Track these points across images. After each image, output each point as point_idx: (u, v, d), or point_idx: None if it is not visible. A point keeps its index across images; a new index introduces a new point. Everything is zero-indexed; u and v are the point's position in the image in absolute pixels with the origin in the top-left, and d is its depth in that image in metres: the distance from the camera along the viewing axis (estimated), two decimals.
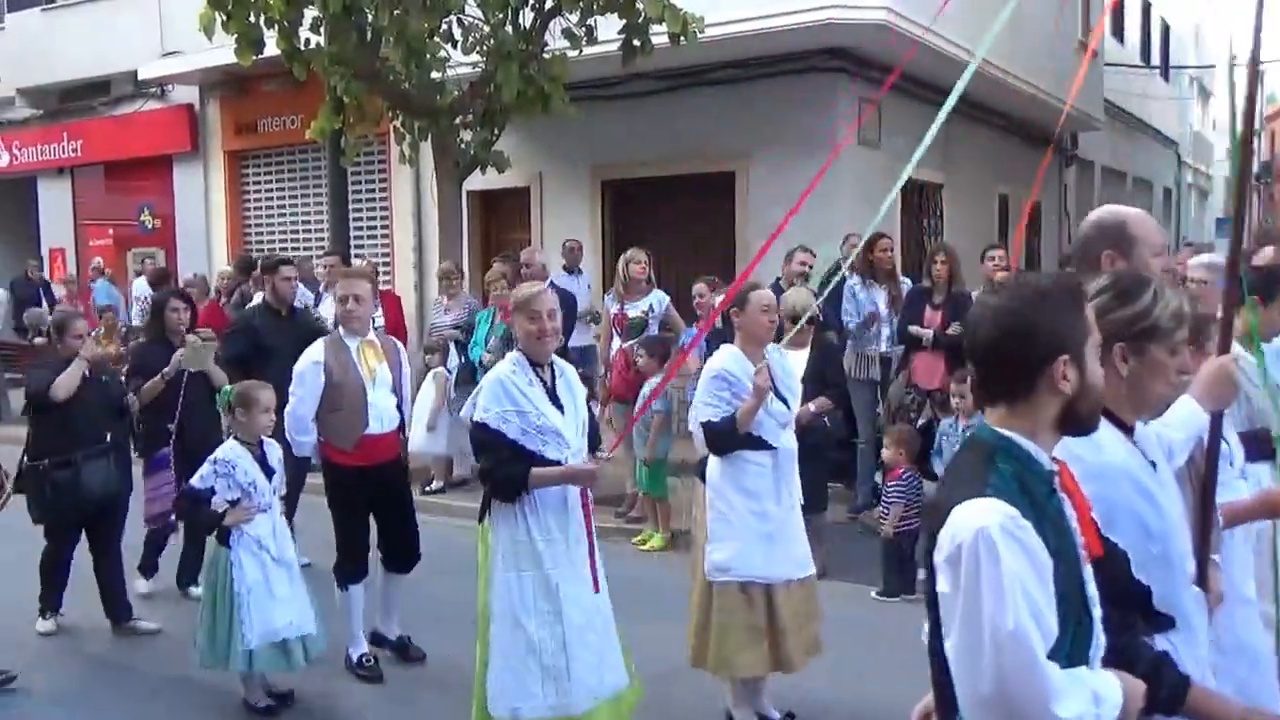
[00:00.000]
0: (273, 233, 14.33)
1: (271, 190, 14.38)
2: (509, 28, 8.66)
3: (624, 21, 8.37)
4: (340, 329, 5.30)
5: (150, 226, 14.82)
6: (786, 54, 10.01)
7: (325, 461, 5.24)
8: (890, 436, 6.36)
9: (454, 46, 9.03)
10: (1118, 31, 19.65)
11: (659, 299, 8.04)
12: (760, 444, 4.36)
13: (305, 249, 13.39)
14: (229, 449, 4.75)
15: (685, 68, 10.12)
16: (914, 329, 7.49)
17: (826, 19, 9.06)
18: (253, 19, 8.52)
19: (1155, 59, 23.62)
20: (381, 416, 5.19)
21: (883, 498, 6.32)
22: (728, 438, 4.33)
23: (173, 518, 5.99)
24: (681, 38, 8.16)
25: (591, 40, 8.60)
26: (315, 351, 5.16)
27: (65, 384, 5.52)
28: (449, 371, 8.36)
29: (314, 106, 9.33)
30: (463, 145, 9.38)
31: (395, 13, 8.27)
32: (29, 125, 16.36)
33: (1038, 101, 13.45)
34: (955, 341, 7.37)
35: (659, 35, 8.31)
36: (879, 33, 9.44)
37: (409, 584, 5.55)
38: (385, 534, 5.37)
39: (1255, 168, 43.27)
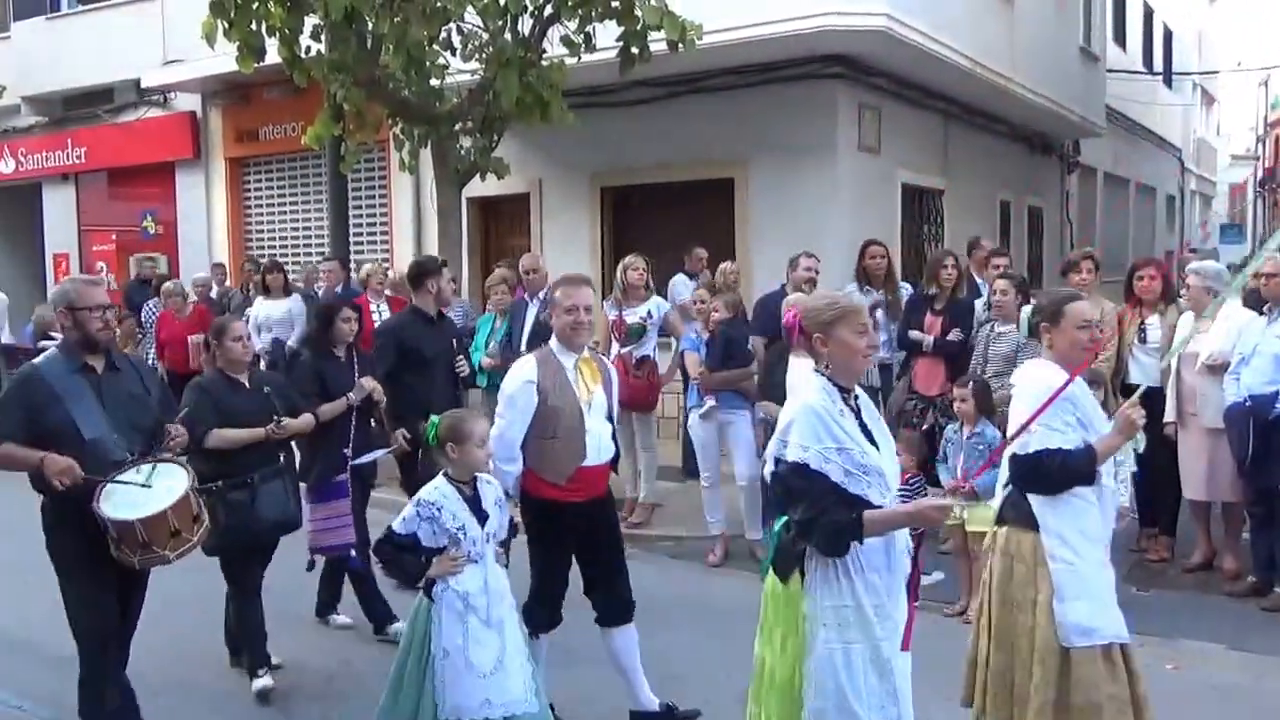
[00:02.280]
0: (274, 239, 14.44)
1: (273, 197, 14.49)
2: (508, 35, 8.72)
3: (622, 29, 8.41)
4: (554, 344, 4.60)
5: (153, 232, 14.94)
6: (785, 60, 10.04)
7: (527, 495, 4.57)
8: (899, 442, 6.35)
9: (453, 54, 9.09)
10: (1120, 38, 19.71)
11: (657, 305, 8.05)
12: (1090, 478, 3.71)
13: (306, 255, 13.53)
14: (435, 488, 4.06)
15: (684, 74, 10.16)
16: (914, 334, 7.50)
17: (824, 25, 9.09)
18: (254, 27, 8.57)
19: (1158, 65, 23.66)
20: (599, 446, 4.56)
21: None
22: (1077, 473, 3.64)
23: (352, 552, 5.69)
24: (680, 45, 8.21)
25: (590, 47, 8.65)
26: (527, 369, 4.51)
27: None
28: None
29: (315, 114, 9.40)
30: (462, 152, 9.43)
31: (395, 21, 8.33)
32: (34, 132, 16.58)
33: (1038, 108, 13.50)
34: (954, 347, 7.39)
35: (657, 42, 8.36)
36: (878, 39, 9.48)
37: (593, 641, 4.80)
38: (598, 580, 4.68)
39: (1258, 175, 43.27)
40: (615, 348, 7.85)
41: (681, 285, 9.43)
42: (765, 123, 10.35)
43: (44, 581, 4.34)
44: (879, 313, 7.92)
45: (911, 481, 6.15)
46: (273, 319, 10.21)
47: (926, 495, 6.21)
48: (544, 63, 8.86)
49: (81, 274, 5.11)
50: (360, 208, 13.17)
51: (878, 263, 8.15)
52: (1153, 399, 6.84)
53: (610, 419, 4.67)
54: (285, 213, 14.36)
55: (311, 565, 5.79)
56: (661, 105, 10.75)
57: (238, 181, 14.71)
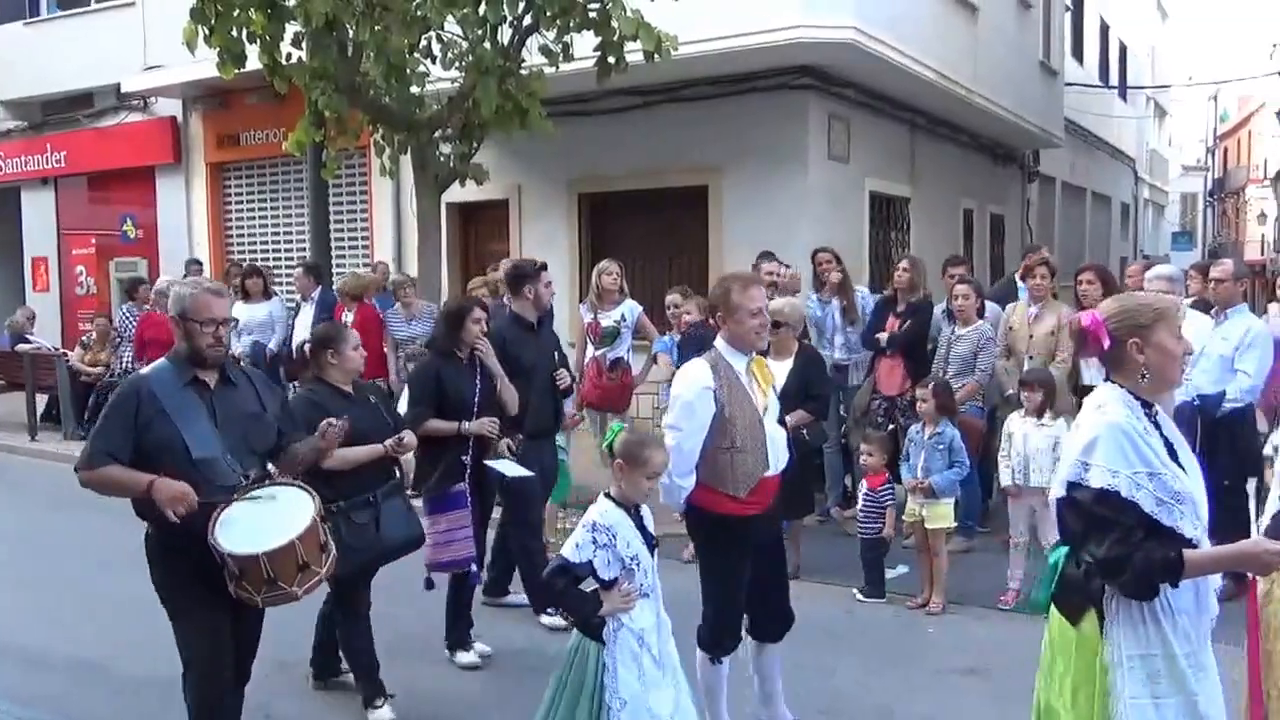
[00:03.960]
0: (254, 244, 14.52)
1: (253, 202, 14.57)
2: (487, 44, 8.81)
3: (600, 39, 8.56)
4: (722, 346, 4.23)
5: (132, 236, 14.94)
6: (758, 71, 10.30)
7: (700, 510, 4.18)
8: (871, 443, 6.55)
9: (433, 62, 9.17)
10: (1077, 53, 20.18)
11: (630, 309, 8.23)
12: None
13: (287, 260, 13.59)
14: (605, 511, 3.58)
15: (660, 84, 10.39)
16: (879, 335, 7.75)
17: (795, 38, 9.34)
18: (235, 33, 8.62)
19: (1113, 79, 24.21)
20: (778, 455, 4.26)
21: (864, 503, 6.42)
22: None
23: (473, 567, 5.36)
24: (656, 55, 8.32)
25: (568, 57, 8.78)
26: (702, 374, 4.12)
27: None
28: None
29: (295, 120, 9.45)
30: (442, 158, 9.53)
31: (376, 29, 8.39)
32: (13, 137, 16.58)
33: (1000, 119, 13.87)
34: (907, 337, 7.65)
35: (634, 53, 8.49)
36: (847, 51, 9.74)
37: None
38: (766, 594, 4.37)
39: (1208, 185, 44.19)
40: (590, 350, 8.05)
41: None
42: (738, 131, 10.60)
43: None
44: (836, 316, 8.20)
45: (881, 490, 6.40)
46: (253, 323, 10.31)
47: (893, 494, 6.46)
48: (523, 71, 8.98)
49: (206, 278, 4.87)
50: (341, 213, 13.29)
51: (824, 268, 8.27)
52: None
53: (783, 423, 4.41)
54: (266, 218, 14.44)
55: (430, 584, 5.33)
56: (638, 114, 10.99)
57: (218, 186, 14.77)
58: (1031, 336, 7.38)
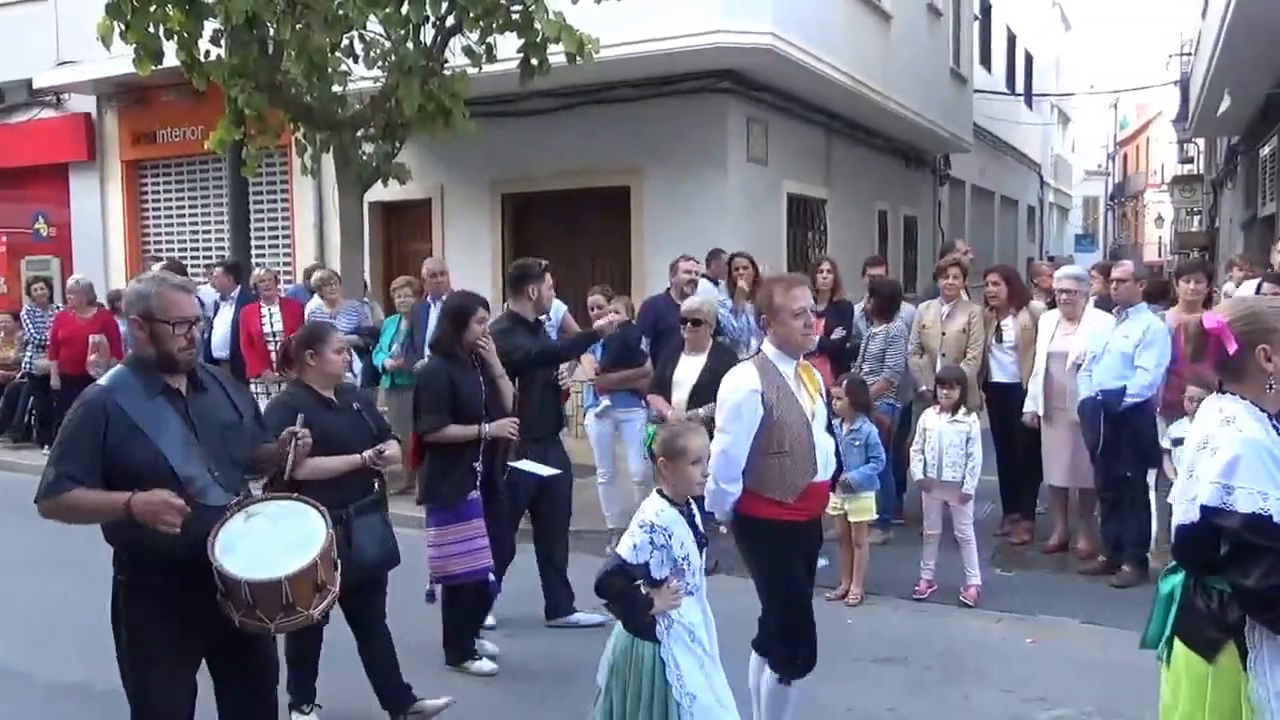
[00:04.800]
0: (172, 242, 14.20)
1: (171, 200, 14.27)
2: (410, 44, 8.79)
3: (523, 40, 8.59)
4: (770, 350, 4.11)
5: (45, 235, 14.50)
6: (679, 74, 10.43)
7: (747, 517, 4.02)
8: None
9: (356, 61, 9.11)
10: (986, 61, 20.77)
11: (555, 309, 8.30)
12: None
13: (205, 259, 13.33)
14: (660, 510, 3.49)
15: (583, 86, 10.47)
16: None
17: (715, 42, 9.49)
18: (152, 29, 8.44)
19: (1020, 87, 24.95)
20: (827, 460, 4.12)
21: None
22: None
23: (491, 578, 5.16)
24: (578, 57, 8.38)
25: (491, 58, 8.77)
26: (749, 377, 3.99)
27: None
28: (354, 375, 8.49)
29: (214, 117, 9.34)
30: (365, 158, 9.48)
31: (297, 27, 8.30)
32: None
33: (912, 124, 14.25)
34: (838, 345, 7.87)
35: (556, 55, 8.53)
36: (765, 56, 9.92)
37: None
38: None
39: (1109, 189, 45.68)
40: None
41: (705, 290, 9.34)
42: (660, 134, 10.73)
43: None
44: (750, 320, 8.32)
45: None
46: None
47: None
48: (446, 72, 8.99)
49: (168, 273, 3.83)
50: (262, 212, 13.10)
51: (741, 273, 8.30)
52: (1011, 394, 7.48)
53: (831, 430, 4.30)
54: (184, 216, 14.16)
55: (432, 596, 5.18)
56: (561, 115, 11.05)
57: (134, 184, 14.44)
58: (944, 334, 7.64)
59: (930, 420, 6.56)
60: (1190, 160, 30.83)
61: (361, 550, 4.29)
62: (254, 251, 11.88)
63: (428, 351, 8.14)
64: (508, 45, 8.72)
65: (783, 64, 10.26)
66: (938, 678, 5.26)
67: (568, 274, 9.92)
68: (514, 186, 11.73)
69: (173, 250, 13.92)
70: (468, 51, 8.86)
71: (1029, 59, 26.18)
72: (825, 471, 4.10)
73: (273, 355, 8.92)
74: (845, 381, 6.68)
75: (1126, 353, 6.50)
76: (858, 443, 6.42)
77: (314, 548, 3.26)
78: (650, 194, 10.94)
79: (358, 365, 8.62)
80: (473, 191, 11.86)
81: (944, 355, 7.55)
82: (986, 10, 20.82)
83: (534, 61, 8.67)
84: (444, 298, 8.56)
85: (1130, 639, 5.61)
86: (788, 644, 4.04)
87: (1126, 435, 6.44)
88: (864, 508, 6.43)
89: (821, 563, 6.96)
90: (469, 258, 11.45)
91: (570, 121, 11.05)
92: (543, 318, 6.29)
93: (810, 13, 10.47)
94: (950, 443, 6.39)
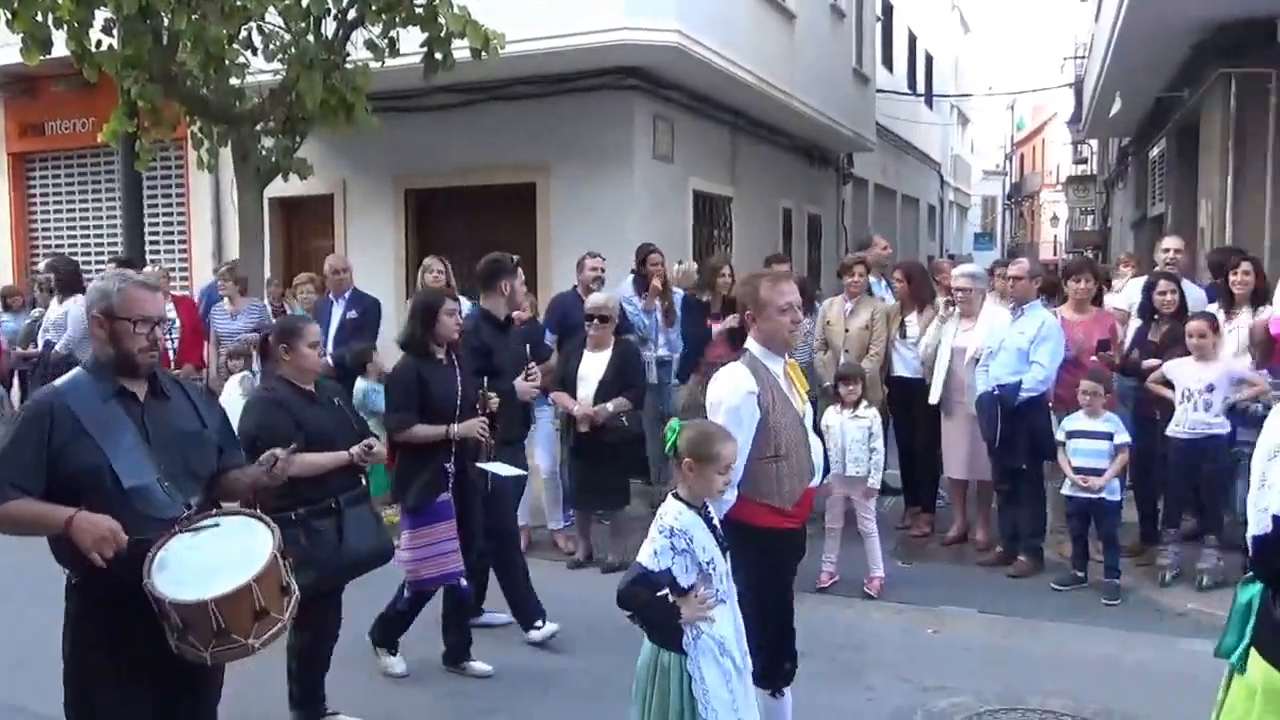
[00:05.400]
0: (62, 238, 13.67)
1: (61, 194, 13.75)
2: (311, 37, 8.63)
3: (426, 35, 8.50)
4: (756, 349, 3.93)
5: None
6: (585, 71, 10.41)
7: (741, 525, 3.73)
8: None
9: (254, 54, 8.91)
10: (888, 61, 21.17)
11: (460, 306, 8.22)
12: None
13: (98, 256, 12.87)
14: (679, 513, 3.32)
15: (488, 81, 10.38)
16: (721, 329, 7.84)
17: (621, 40, 9.50)
18: (40, 18, 8.16)
19: (920, 87, 25.50)
20: (819, 464, 3.99)
21: None
22: None
23: (463, 582, 5.02)
24: (483, 53, 8.34)
25: (394, 52, 8.67)
26: (744, 379, 3.80)
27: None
28: (253, 374, 8.31)
29: (106, 109, 9.03)
30: (264, 152, 9.28)
31: (193, 17, 8.11)
32: None
33: (816, 123, 14.45)
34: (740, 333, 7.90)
35: (461, 50, 8.47)
36: (670, 54, 9.96)
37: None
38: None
39: (1006, 189, 47.03)
40: None
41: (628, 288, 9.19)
42: (566, 130, 10.70)
43: None
44: (659, 318, 8.35)
45: None
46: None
47: None
48: (348, 66, 8.85)
49: (132, 270, 4.20)
50: (156, 207, 12.72)
51: (657, 269, 8.33)
52: (913, 389, 7.64)
53: (818, 431, 4.08)
54: (75, 211, 13.64)
55: (406, 599, 5.10)
56: (466, 111, 10.94)
57: (21, 177, 13.88)
58: (847, 331, 7.78)
59: (832, 416, 6.66)
60: (1084, 161, 31.82)
61: (355, 541, 4.19)
62: (149, 248, 11.53)
63: (330, 350, 8.16)
64: (411, 40, 8.63)
65: (688, 62, 10.31)
66: (841, 668, 5.34)
67: (473, 271, 9.78)
68: (418, 182, 11.59)
69: (63, 246, 13.43)
70: (370, 45, 8.73)
71: (929, 60, 26.77)
72: (817, 476, 3.99)
73: (170, 353, 8.70)
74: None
75: (1022, 348, 6.68)
76: None
77: (251, 569, 2.97)
78: (556, 191, 10.91)
79: (256, 364, 8.43)
80: (375, 187, 11.69)
81: (847, 351, 7.68)
82: (888, 11, 21.23)
83: (438, 56, 8.58)
84: (346, 295, 8.53)
85: (1028, 626, 5.88)
86: (773, 657, 3.87)
87: (1022, 429, 6.61)
88: None
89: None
90: (372, 254, 11.29)
91: (475, 118, 10.95)
92: (515, 314, 6.13)
93: (715, 11, 10.55)
94: (853, 438, 6.50)
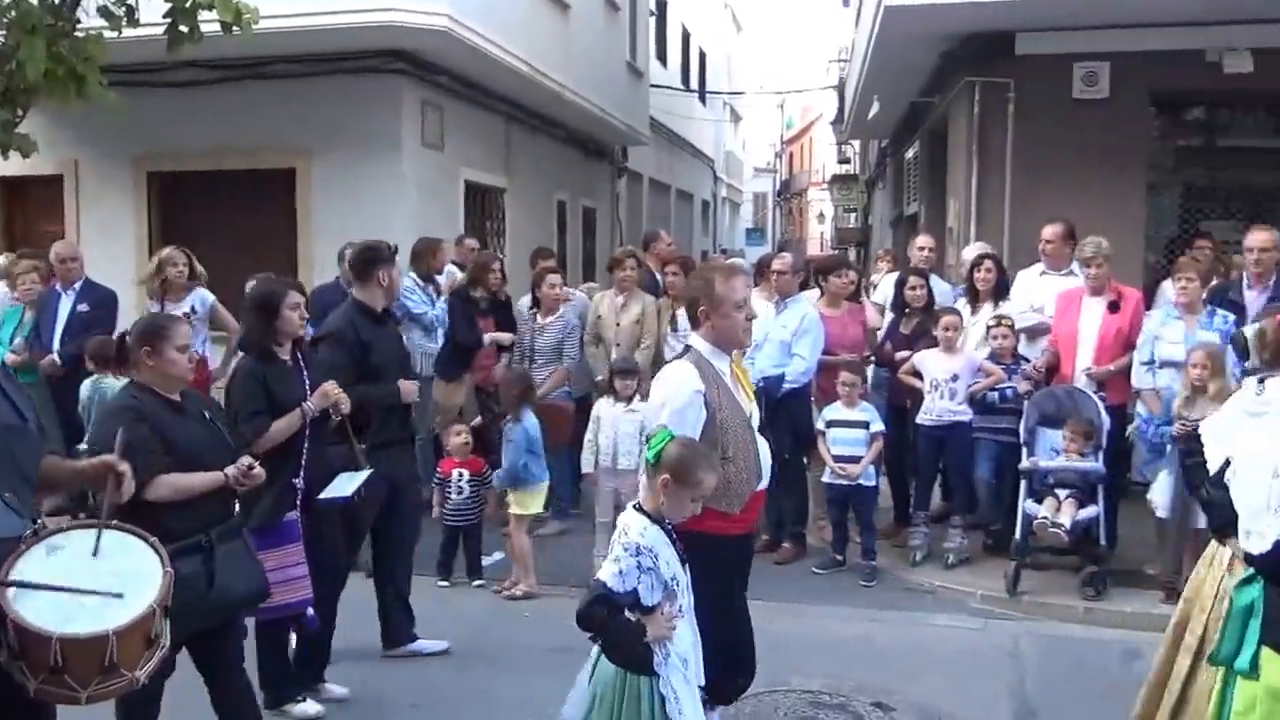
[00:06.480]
0: None
1: None
2: (34, 0, 7.90)
3: (170, 4, 7.92)
4: (702, 346, 3.75)
5: None
6: (349, 52, 9.98)
7: (694, 533, 3.43)
8: (461, 432, 6.64)
9: None
10: (662, 56, 21.47)
11: (201, 299, 7.75)
12: None
13: None
14: (643, 529, 3.16)
15: (242, 59, 9.76)
16: (490, 336, 7.83)
17: (387, 21, 9.14)
18: None
19: (694, 83, 26.02)
20: (767, 466, 3.83)
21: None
22: None
23: (310, 611, 4.37)
24: (234, 27, 7.86)
25: (132, 22, 8.02)
26: (689, 377, 3.63)
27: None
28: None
29: None
30: None
31: None
32: None
33: (590, 115, 14.44)
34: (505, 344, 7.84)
35: (210, 22, 7.95)
36: (439, 38, 9.68)
37: None
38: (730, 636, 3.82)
39: (776, 186, 48.84)
40: None
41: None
42: (329, 114, 10.22)
43: None
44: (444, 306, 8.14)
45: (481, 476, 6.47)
46: None
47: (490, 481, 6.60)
48: (79, 34, 8.12)
49: None
50: None
51: (440, 262, 8.19)
52: None
53: (764, 432, 3.96)
54: None
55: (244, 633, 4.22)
56: (218, 88, 10.25)
57: None
58: (619, 325, 7.77)
59: (604, 409, 6.62)
60: (847, 161, 33.30)
61: (226, 584, 3.54)
62: None
63: (57, 345, 7.49)
64: (155, 9, 7.99)
65: (459, 47, 10.05)
66: None
67: (226, 259, 9.22)
68: (162, 164, 10.79)
69: None
70: (104, 12, 8.03)
71: (703, 56, 27.36)
72: (765, 479, 3.86)
73: None
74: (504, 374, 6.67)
75: (785, 341, 6.87)
76: (510, 439, 6.34)
77: (150, 591, 2.63)
78: (319, 177, 10.40)
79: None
80: (113, 168, 10.81)
81: (619, 345, 7.66)
82: (662, 7, 21.52)
83: (183, 29, 7.98)
84: (77, 285, 7.85)
85: (792, 610, 6.02)
86: (727, 667, 3.70)
87: (784, 418, 6.77)
88: (525, 501, 6.40)
89: (498, 556, 6.93)
90: (109, 241, 10.45)
91: (229, 96, 10.28)
92: (393, 306, 5.63)
93: None
94: (626, 432, 6.47)
